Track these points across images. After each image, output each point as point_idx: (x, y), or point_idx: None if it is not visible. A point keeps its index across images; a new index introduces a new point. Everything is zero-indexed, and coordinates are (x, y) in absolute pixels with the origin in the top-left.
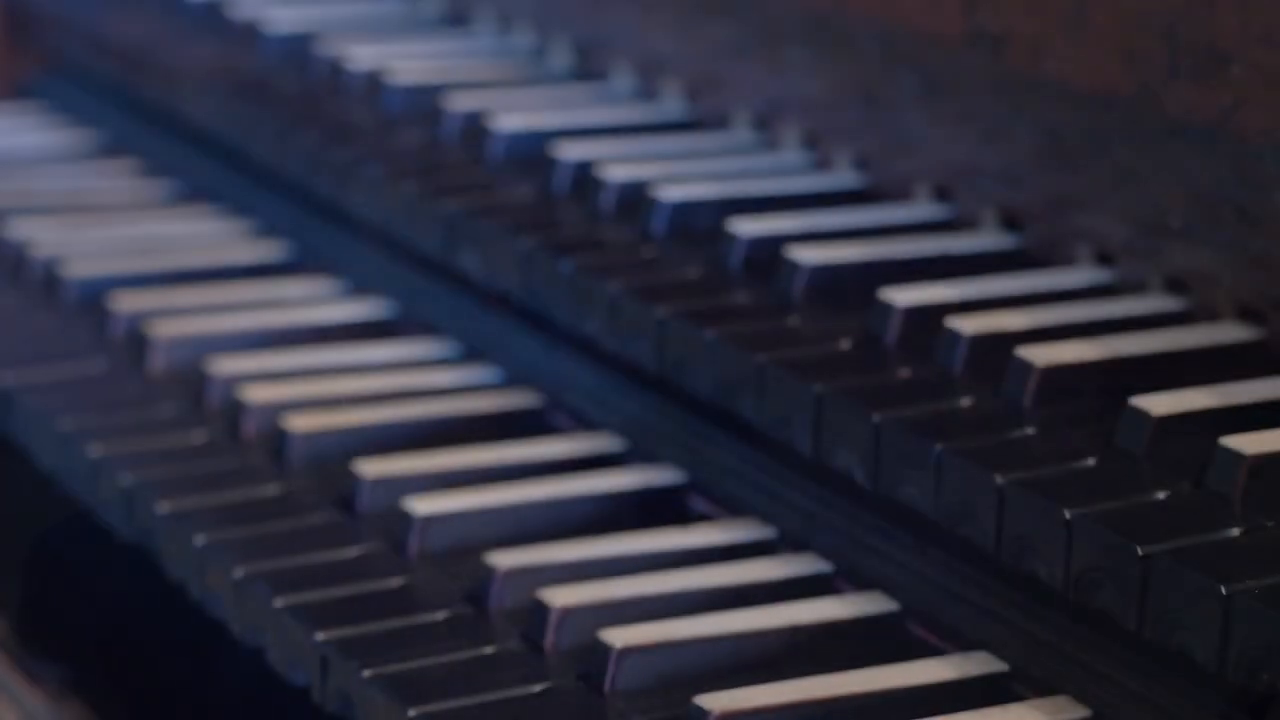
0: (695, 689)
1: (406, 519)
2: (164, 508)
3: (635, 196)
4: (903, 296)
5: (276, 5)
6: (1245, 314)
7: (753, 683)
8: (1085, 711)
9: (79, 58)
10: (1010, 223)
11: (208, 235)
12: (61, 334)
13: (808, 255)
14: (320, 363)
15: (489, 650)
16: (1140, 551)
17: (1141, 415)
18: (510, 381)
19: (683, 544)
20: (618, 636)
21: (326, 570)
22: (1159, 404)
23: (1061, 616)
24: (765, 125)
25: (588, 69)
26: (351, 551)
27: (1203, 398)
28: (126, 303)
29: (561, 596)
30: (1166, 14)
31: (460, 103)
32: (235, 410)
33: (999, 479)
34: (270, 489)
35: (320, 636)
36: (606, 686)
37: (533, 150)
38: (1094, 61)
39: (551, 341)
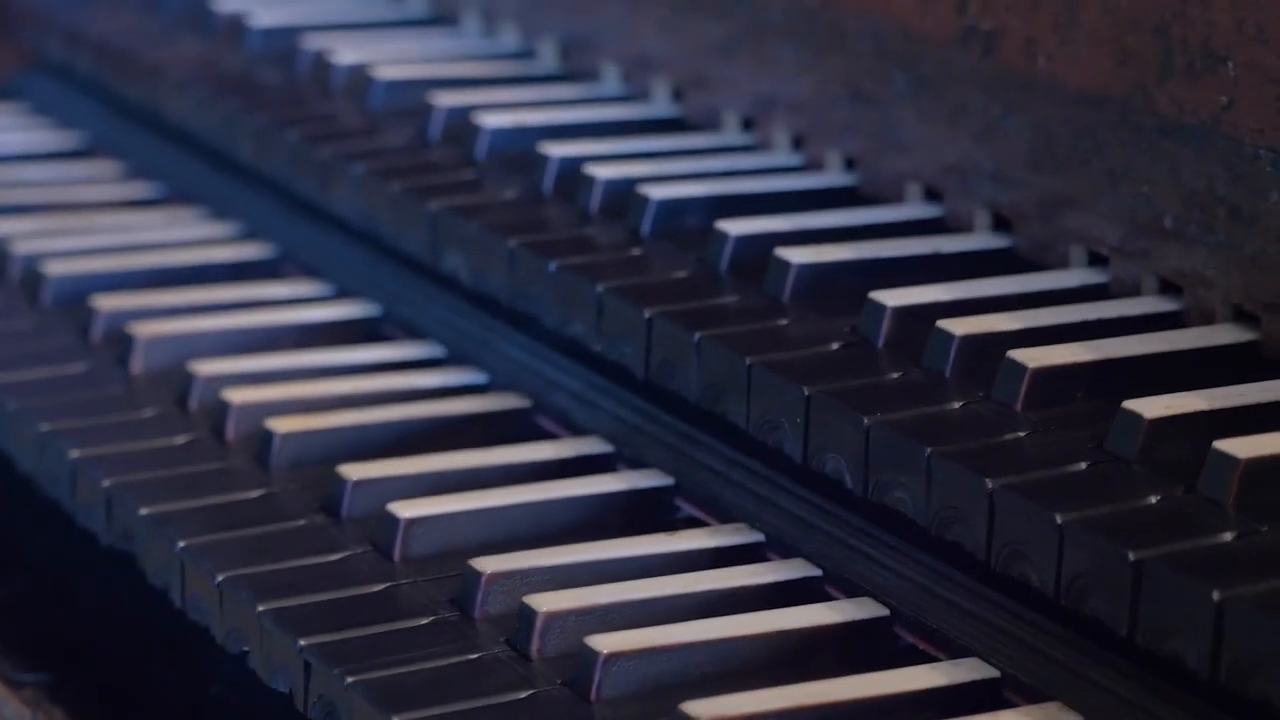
0: (682, 695)
1: (391, 523)
2: (145, 511)
3: (623, 196)
4: (893, 297)
5: (260, 1)
6: (1239, 316)
7: (740, 689)
8: (1076, 718)
9: (61, 56)
10: (1002, 223)
11: (190, 235)
12: (42, 334)
13: (797, 255)
14: (304, 365)
15: (474, 656)
16: (1132, 557)
17: (1134, 418)
18: (496, 384)
19: (670, 548)
20: (604, 642)
21: (310, 575)
22: (1151, 407)
23: (1052, 622)
24: (754, 124)
25: (575, 67)
26: (335, 556)
27: (1196, 401)
28: (108, 303)
29: (547, 602)
30: (1159, 12)
31: (446, 100)
32: (218, 412)
33: (990, 483)
34: (253, 492)
35: (303, 642)
36: (593, 693)
37: (519, 149)
38: (1086, 60)
39: (537, 343)
